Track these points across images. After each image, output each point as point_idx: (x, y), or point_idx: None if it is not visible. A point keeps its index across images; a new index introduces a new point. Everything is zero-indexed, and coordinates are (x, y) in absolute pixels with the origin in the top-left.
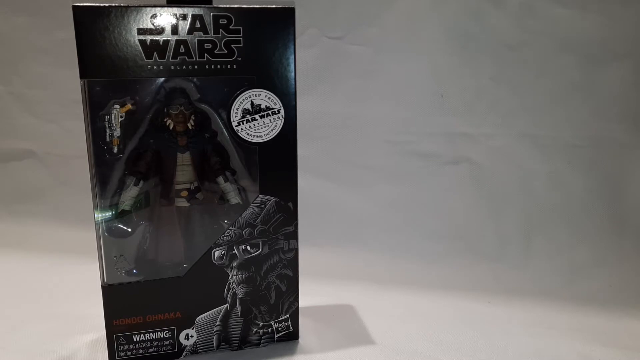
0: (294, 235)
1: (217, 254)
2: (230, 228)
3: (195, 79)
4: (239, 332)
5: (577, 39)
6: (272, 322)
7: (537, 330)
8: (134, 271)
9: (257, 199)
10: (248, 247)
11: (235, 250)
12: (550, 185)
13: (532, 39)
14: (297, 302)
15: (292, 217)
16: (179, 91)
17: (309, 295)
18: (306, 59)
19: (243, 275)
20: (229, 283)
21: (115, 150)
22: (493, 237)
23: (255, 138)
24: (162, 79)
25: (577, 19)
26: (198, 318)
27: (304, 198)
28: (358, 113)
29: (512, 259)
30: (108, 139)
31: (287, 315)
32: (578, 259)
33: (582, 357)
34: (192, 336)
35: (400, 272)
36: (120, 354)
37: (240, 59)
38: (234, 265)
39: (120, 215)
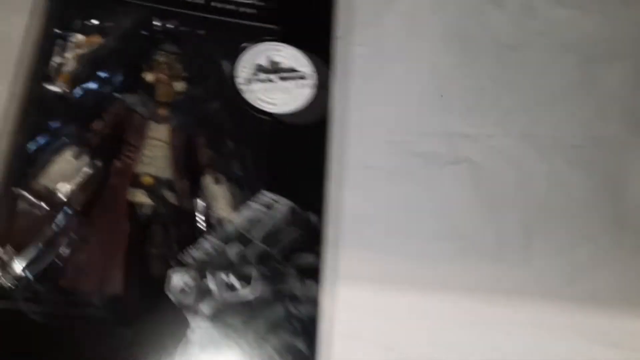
0: (317, 273)
1: (176, 280)
2: (205, 237)
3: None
4: None
5: (577, 39)
6: None
7: (537, 330)
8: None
9: (260, 195)
10: (232, 278)
11: (210, 279)
12: (550, 185)
13: (532, 39)
14: None
15: (314, 237)
16: (171, 37)
17: None
18: None
19: (218, 333)
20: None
21: (61, 89)
22: (493, 237)
23: (267, 105)
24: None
25: (577, 19)
26: None
27: None
28: (358, 113)
29: (512, 259)
30: (52, 72)
31: None
32: (578, 259)
33: (582, 357)
34: None
35: (400, 272)
36: None
37: (263, 3)
38: (203, 309)
39: None
